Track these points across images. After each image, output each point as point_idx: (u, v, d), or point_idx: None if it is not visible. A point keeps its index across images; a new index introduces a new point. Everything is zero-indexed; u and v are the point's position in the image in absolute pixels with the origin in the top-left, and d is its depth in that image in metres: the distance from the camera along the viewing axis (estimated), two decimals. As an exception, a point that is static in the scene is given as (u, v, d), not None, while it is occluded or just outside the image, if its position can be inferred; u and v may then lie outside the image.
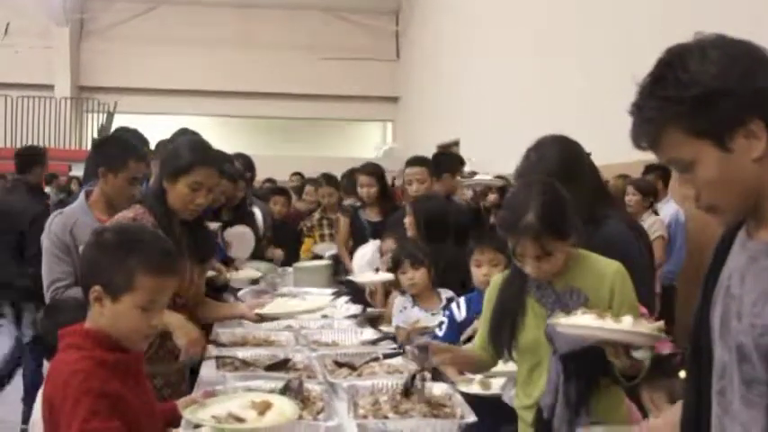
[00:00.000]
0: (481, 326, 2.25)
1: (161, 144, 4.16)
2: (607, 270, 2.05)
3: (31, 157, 5.31)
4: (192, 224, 2.71)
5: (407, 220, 3.82)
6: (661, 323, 1.82)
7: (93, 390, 1.59)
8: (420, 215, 3.71)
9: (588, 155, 2.52)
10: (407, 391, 2.30)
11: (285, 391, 2.30)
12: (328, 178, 5.96)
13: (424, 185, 4.39)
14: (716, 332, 1.27)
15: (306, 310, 3.04)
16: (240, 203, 4.65)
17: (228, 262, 4.19)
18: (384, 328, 3.42)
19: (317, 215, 5.84)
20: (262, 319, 2.88)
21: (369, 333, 3.38)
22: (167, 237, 2.41)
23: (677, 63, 1.20)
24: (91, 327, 1.73)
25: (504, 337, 2.10)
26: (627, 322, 1.80)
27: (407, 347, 2.45)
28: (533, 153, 2.43)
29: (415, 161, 4.56)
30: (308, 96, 15.23)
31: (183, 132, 4.04)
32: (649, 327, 1.80)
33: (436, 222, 3.64)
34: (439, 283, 3.36)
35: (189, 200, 2.62)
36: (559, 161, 2.34)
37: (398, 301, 3.45)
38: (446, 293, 3.32)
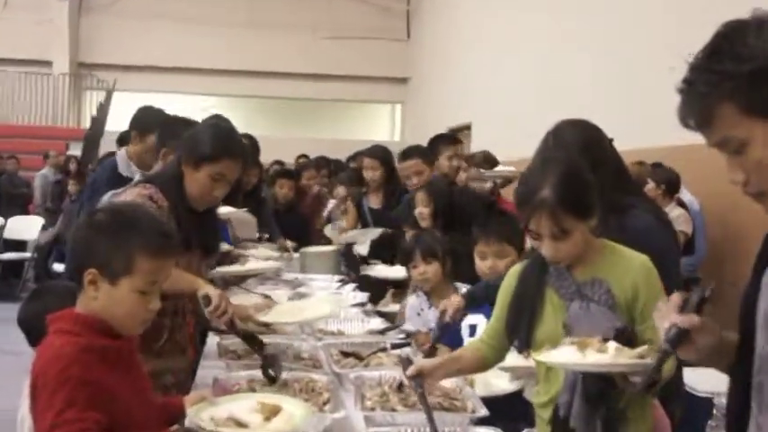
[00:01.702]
0: (493, 317, 2.23)
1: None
2: (633, 263, 2.02)
3: None
4: (202, 213, 2.67)
5: (422, 211, 3.79)
6: (645, 347, 1.79)
7: (73, 378, 1.57)
8: (440, 202, 3.68)
9: (610, 141, 2.49)
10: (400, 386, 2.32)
11: (266, 371, 2.31)
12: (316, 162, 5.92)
13: (423, 177, 4.32)
14: (760, 322, 1.26)
15: (311, 318, 3.01)
16: (253, 189, 4.63)
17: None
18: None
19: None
20: (266, 326, 2.88)
21: (376, 322, 3.38)
22: (178, 224, 2.46)
23: (735, 36, 1.19)
24: (82, 311, 1.71)
25: (521, 329, 2.08)
26: (610, 352, 1.77)
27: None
28: (552, 137, 2.40)
29: (408, 153, 4.46)
30: (315, 76, 15.17)
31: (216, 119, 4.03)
32: (632, 353, 1.77)
33: (458, 210, 3.63)
34: (453, 277, 3.28)
35: (208, 190, 2.58)
36: (580, 146, 2.31)
37: (412, 302, 3.33)
38: (464, 289, 3.13)
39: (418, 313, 3.27)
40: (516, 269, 2.19)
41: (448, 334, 2.73)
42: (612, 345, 1.79)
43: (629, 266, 2.00)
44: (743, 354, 1.30)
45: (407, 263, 3.32)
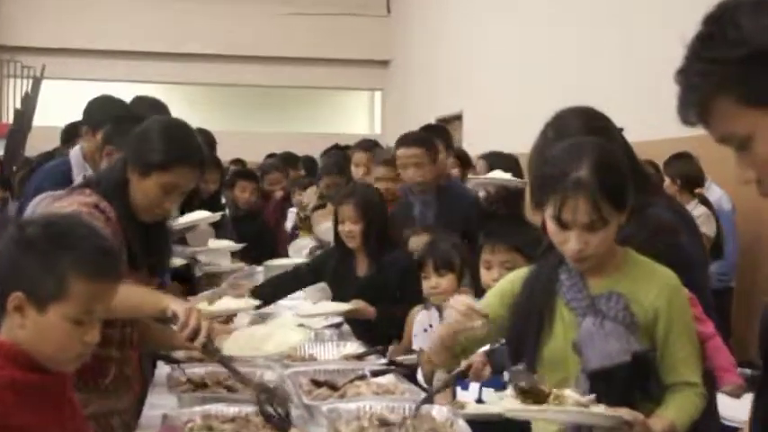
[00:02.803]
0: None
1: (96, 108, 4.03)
2: (657, 278, 2.05)
3: None
4: (151, 225, 2.65)
5: (350, 229, 3.77)
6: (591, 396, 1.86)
7: None
8: (373, 219, 3.71)
9: (620, 131, 2.51)
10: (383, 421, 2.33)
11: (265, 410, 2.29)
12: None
13: (421, 171, 4.33)
14: None
15: (274, 352, 2.99)
16: (213, 195, 4.67)
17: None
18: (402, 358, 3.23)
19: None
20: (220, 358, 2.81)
21: (353, 346, 3.41)
22: (130, 238, 2.46)
23: (727, 18, 1.19)
24: (5, 340, 1.67)
25: (527, 344, 2.09)
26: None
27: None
28: (551, 129, 2.42)
29: (411, 140, 4.47)
30: (280, 59, 15.07)
31: (154, 105, 3.98)
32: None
33: (446, 212, 3.70)
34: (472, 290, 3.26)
35: (157, 202, 2.55)
36: (587, 134, 2.31)
37: (421, 317, 3.32)
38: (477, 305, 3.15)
39: (425, 329, 3.27)
40: (521, 273, 2.21)
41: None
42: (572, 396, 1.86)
43: (653, 281, 2.03)
44: (765, 382, 1.31)
45: (419, 272, 3.30)
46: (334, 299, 3.84)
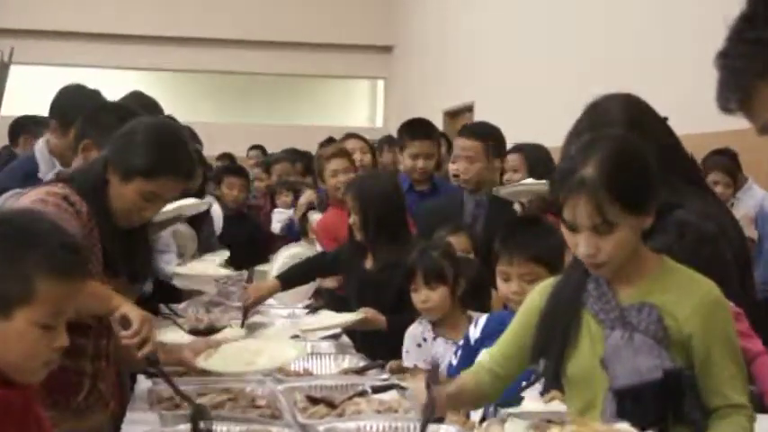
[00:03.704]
0: (504, 339, 2.25)
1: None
2: (695, 289, 2.04)
3: None
4: (130, 229, 2.68)
5: (353, 219, 3.81)
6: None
7: None
8: (371, 209, 3.74)
9: (664, 119, 2.53)
10: None
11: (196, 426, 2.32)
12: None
13: (430, 163, 4.40)
14: None
15: (269, 367, 2.99)
16: (196, 193, 4.54)
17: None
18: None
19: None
20: (205, 373, 2.87)
21: (353, 359, 3.39)
22: (107, 242, 2.52)
23: None
24: None
25: (550, 359, 2.10)
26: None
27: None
28: (586, 118, 2.46)
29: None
30: (272, 45, 15.01)
31: (140, 98, 3.98)
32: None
33: None
34: (470, 303, 3.33)
35: (136, 209, 2.59)
36: (624, 126, 2.35)
37: (413, 330, 3.35)
38: (480, 318, 3.06)
39: (419, 344, 3.29)
40: (545, 285, 2.22)
41: None
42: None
43: (691, 293, 2.02)
44: None
45: (408, 283, 3.30)
46: (345, 292, 3.92)
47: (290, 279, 4.17)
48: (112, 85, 4.65)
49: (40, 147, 3.69)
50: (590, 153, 1.99)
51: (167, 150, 2.60)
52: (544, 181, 3.95)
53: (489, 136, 4.39)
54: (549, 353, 2.11)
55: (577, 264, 2.12)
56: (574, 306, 2.09)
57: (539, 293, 2.21)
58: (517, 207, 4.39)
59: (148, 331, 2.47)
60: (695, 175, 2.64)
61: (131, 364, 2.84)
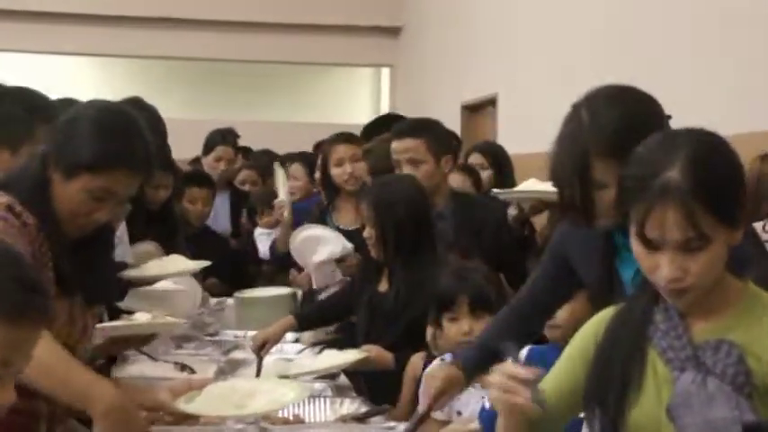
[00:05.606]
0: (556, 371, 2.15)
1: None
2: None
3: None
4: (86, 240, 2.55)
5: (369, 233, 3.67)
6: None
7: None
8: (388, 221, 3.59)
9: (668, 119, 2.42)
10: None
11: None
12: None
13: (421, 170, 4.09)
14: None
15: (262, 411, 2.85)
16: (163, 207, 4.51)
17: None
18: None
19: None
20: (186, 417, 2.72)
21: (352, 403, 3.31)
22: (57, 255, 2.45)
23: None
24: None
25: (608, 404, 1.98)
26: None
27: None
28: (577, 113, 2.43)
29: (406, 129, 4.29)
30: (262, 27, 14.60)
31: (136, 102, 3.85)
32: None
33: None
34: None
35: (84, 210, 2.46)
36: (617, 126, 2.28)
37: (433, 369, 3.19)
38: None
39: None
40: (604, 315, 2.12)
41: None
42: None
43: None
44: None
45: (440, 312, 3.15)
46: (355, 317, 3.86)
47: (309, 320, 4.08)
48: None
49: None
50: (671, 152, 1.86)
51: (117, 138, 2.49)
52: (547, 185, 3.80)
53: (427, 131, 4.25)
54: (606, 397, 2.01)
55: (644, 289, 2.01)
56: (638, 341, 1.98)
57: (597, 324, 2.11)
58: (512, 211, 4.40)
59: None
60: None
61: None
